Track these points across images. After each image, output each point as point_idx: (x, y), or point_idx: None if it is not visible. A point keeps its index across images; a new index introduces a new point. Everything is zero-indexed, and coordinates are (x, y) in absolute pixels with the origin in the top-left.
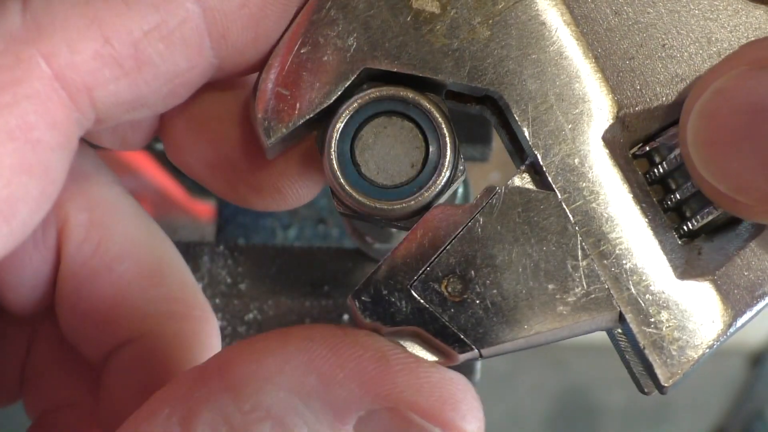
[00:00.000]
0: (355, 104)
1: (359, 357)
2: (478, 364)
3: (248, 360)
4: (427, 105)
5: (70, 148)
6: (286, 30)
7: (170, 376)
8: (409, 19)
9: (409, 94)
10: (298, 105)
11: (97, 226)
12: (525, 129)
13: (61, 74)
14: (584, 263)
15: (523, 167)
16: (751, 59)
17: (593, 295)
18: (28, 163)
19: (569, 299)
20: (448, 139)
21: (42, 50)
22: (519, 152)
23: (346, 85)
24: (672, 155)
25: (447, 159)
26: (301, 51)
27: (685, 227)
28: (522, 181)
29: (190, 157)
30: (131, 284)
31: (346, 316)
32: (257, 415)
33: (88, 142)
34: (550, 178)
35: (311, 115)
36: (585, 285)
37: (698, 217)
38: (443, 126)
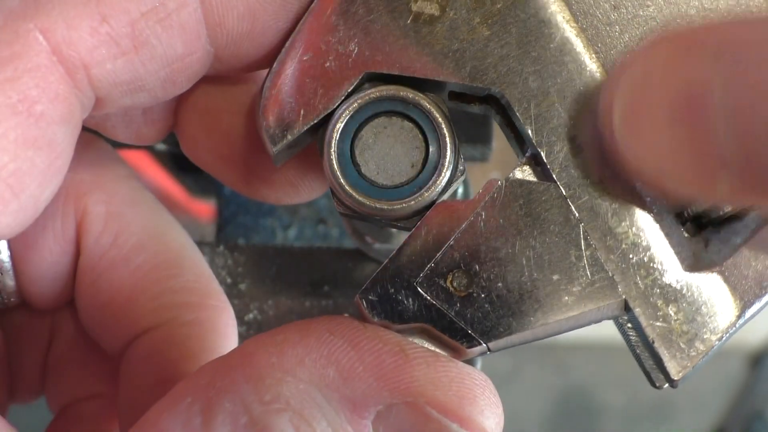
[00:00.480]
0: (355, 104)
1: (378, 351)
2: (479, 364)
3: (269, 352)
4: (427, 105)
5: (73, 122)
6: (288, 37)
7: (187, 365)
8: (408, 22)
9: (409, 94)
10: (302, 112)
11: (115, 219)
12: (528, 127)
13: (59, 49)
14: (587, 253)
15: (523, 159)
16: (675, 42)
17: (598, 284)
18: (32, 136)
19: (574, 289)
20: (448, 139)
21: (39, 25)
22: (524, 151)
23: (348, 91)
24: None
25: (447, 159)
26: (304, 58)
27: (687, 212)
28: (523, 173)
29: (204, 152)
30: (148, 275)
31: (346, 316)
32: (277, 406)
33: (103, 136)
34: (554, 175)
35: (315, 121)
36: (589, 274)
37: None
38: (443, 126)
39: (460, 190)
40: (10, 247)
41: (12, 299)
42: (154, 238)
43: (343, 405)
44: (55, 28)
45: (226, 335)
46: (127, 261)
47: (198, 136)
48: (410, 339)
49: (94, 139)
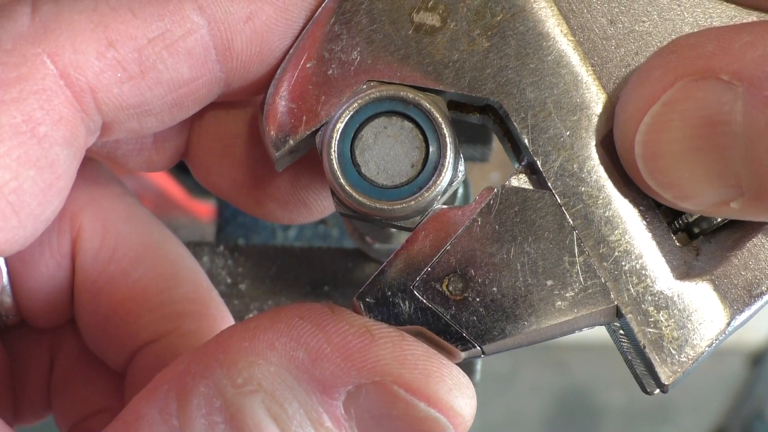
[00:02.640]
0: (356, 104)
1: (345, 332)
2: (479, 365)
3: (242, 337)
4: (427, 105)
5: (76, 145)
6: (292, 45)
7: None
8: (410, 32)
9: (409, 95)
10: (304, 117)
11: (112, 235)
12: (524, 136)
13: (66, 73)
14: (581, 259)
15: (519, 168)
16: (693, 70)
17: (590, 290)
18: (34, 156)
19: (567, 294)
20: (448, 139)
21: (47, 49)
22: (521, 159)
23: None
24: None
25: (447, 159)
26: (307, 65)
27: (679, 221)
28: (519, 181)
29: (218, 178)
30: (147, 288)
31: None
32: (249, 388)
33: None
34: (549, 184)
35: (317, 127)
36: (582, 280)
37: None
38: (443, 126)
39: (460, 191)
40: (6, 264)
41: (10, 316)
42: (151, 251)
43: (314, 386)
44: (62, 53)
45: None
46: (126, 275)
47: (210, 163)
48: None
49: (90, 159)
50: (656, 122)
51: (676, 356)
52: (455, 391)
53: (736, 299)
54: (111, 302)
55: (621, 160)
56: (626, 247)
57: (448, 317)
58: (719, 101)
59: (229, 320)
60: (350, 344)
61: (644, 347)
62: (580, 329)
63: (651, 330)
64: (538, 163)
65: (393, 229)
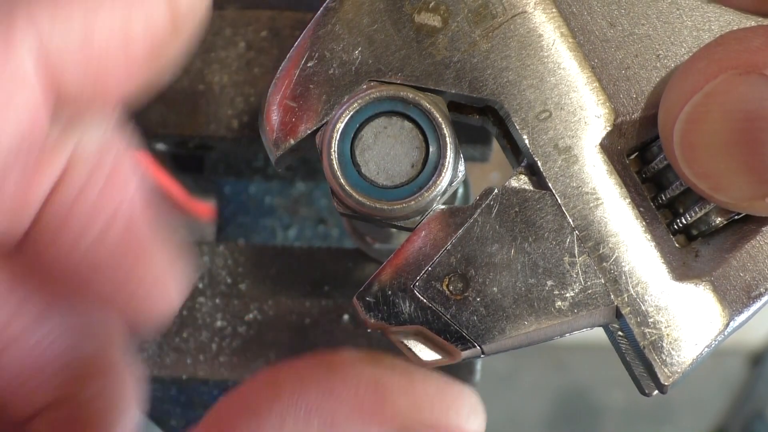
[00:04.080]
0: (356, 104)
1: (356, 390)
2: (478, 365)
3: (245, 418)
4: (427, 105)
5: None
6: (293, 45)
7: None
8: (411, 33)
9: (410, 94)
10: (305, 117)
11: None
12: (525, 137)
13: None
14: (581, 259)
15: (519, 168)
16: (738, 63)
17: (590, 290)
18: None
19: (567, 295)
20: (448, 139)
21: None
22: (520, 161)
23: None
24: (662, 155)
25: (447, 159)
26: (308, 64)
27: (678, 223)
28: (519, 182)
29: None
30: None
31: (346, 316)
32: None
33: None
34: (550, 184)
35: (318, 127)
36: (582, 280)
37: (691, 212)
38: (443, 126)
39: (461, 191)
40: None
41: None
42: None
43: None
44: None
45: (125, 408)
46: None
47: None
48: (403, 342)
49: None
50: (696, 112)
51: (676, 357)
52: (472, 417)
53: (735, 300)
54: (11, 363)
55: (662, 147)
56: (626, 248)
57: (448, 317)
58: (761, 97)
59: (131, 380)
60: (364, 403)
61: (644, 348)
62: (580, 330)
63: (650, 330)
64: (539, 163)
65: (393, 229)
